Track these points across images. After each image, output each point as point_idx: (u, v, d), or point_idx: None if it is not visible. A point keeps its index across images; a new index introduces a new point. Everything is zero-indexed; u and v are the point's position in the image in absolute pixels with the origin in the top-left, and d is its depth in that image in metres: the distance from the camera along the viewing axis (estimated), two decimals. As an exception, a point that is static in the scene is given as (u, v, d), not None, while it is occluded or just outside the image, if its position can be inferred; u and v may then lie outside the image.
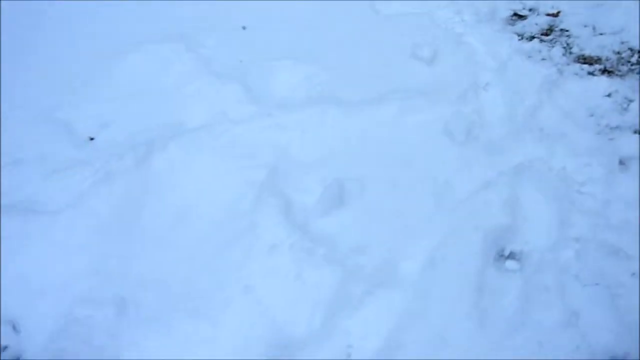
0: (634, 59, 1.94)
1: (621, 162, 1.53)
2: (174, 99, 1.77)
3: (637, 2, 2.10)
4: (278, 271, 1.20)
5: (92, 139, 1.69)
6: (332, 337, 1.11)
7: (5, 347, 1.20)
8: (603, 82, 1.80)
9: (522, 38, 2.08)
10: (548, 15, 2.20)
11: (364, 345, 1.12)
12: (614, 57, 1.96)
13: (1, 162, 1.58)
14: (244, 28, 2.13)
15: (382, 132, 1.53)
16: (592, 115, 1.69)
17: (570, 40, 2.05)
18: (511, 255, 1.30)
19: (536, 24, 2.16)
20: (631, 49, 1.98)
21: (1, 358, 1.18)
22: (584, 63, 1.95)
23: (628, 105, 1.74)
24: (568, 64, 1.94)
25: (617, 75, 1.88)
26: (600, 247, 1.25)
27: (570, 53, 2.00)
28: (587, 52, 1.99)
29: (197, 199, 1.42)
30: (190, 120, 1.68)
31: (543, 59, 1.96)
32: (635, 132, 1.65)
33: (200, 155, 1.54)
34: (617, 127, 1.66)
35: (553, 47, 2.02)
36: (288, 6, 2.22)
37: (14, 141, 1.68)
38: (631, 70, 1.90)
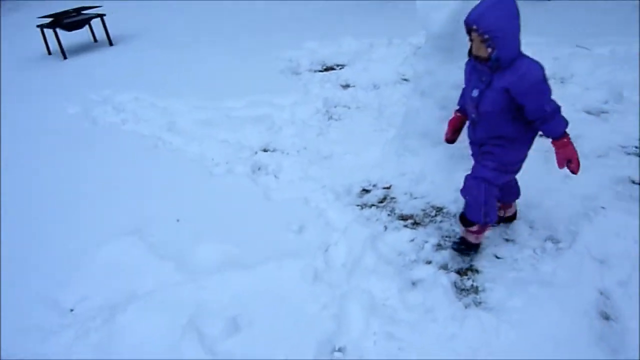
0: (433, 214, 3.00)
1: (413, 283, 2.47)
2: (133, 275, 2.63)
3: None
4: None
5: (72, 310, 2.51)
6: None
7: None
8: (410, 232, 2.81)
9: (365, 206, 3.11)
10: (384, 188, 3.28)
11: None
12: (421, 213, 3.02)
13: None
14: (178, 220, 3.11)
15: (263, 283, 2.43)
16: (399, 255, 2.65)
17: (395, 205, 3.08)
18: (339, 349, 2.13)
19: (376, 195, 3.20)
20: (432, 207, 3.05)
21: None
22: (402, 219, 2.95)
23: (424, 245, 2.73)
24: (392, 222, 2.92)
25: (421, 225, 2.92)
26: (387, 336, 2.11)
27: (394, 213, 3.01)
28: (404, 212, 3.00)
29: (145, 338, 2.21)
30: (141, 288, 2.53)
31: (377, 220, 2.94)
32: (426, 262, 2.61)
33: (146, 311, 2.36)
34: (414, 261, 2.62)
35: (383, 210, 3.05)
36: (212, 200, 3.26)
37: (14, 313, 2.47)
38: (431, 221, 2.94)
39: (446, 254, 2.61)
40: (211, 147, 4.01)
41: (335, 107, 4.51)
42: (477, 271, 2.50)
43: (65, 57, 7.66)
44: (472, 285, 2.42)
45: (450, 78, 3.01)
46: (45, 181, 3.85)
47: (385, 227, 2.86)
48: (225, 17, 8.93)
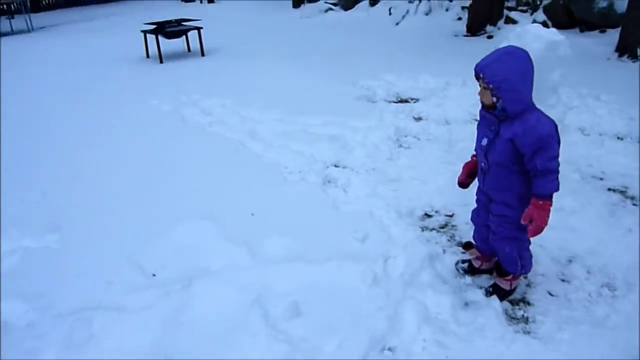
0: (492, 245, 3.11)
1: (465, 304, 2.58)
2: (208, 253, 2.91)
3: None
4: (258, 344, 2.20)
5: (154, 275, 2.81)
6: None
7: None
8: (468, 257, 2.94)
9: (426, 229, 3.26)
10: (446, 215, 3.44)
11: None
12: (480, 243, 3.14)
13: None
14: (252, 214, 3.40)
15: (325, 278, 2.63)
16: (455, 277, 2.77)
17: (455, 232, 3.23)
18: (389, 348, 2.28)
19: (437, 221, 3.36)
20: (492, 239, 3.16)
21: None
22: (460, 246, 3.11)
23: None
24: (451, 247, 3.06)
25: (479, 254, 3.03)
26: (437, 344, 2.25)
27: (454, 239, 3.15)
28: (464, 240, 3.16)
29: (214, 308, 2.47)
30: (214, 265, 2.81)
31: (436, 242, 3.08)
32: (480, 287, 2.72)
33: (218, 286, 2.62)
34: (469, 285, 2.74)
35: (443, 235, 3.19)
36: (284, 202, 3.53)
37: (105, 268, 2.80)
38: (490, 252, 3.05)
39: (501, 284, 2.71)
40: (286, 156, 4.31)
41: (406, 136, 4.72)
42: (529, 303, 2.58)
43: (161, 62, 8.38)
44: (522, 315, 2.51)
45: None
46: (139, 162, 4.28)
47: (444, 250, 2.99)
48: (310, 43, 9.46)
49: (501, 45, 3.19)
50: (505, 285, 2.58)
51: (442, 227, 3.27)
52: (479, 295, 2.61)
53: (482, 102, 2.24)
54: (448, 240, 3.12)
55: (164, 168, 4.18)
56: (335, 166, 4.15)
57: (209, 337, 2.32)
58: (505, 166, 2.23)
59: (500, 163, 2.25)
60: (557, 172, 2.11)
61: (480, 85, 2.20)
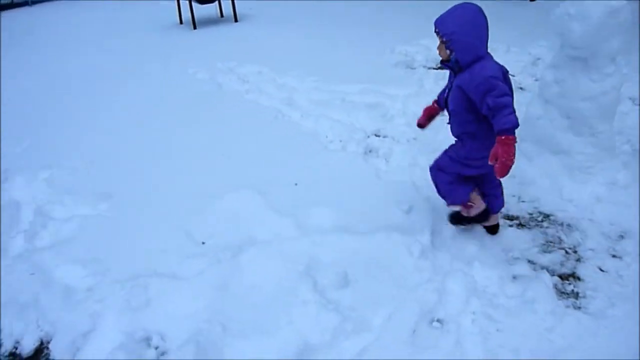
0: (539, 219, 3.06)
1: (514, 277, 2.57)
2: (254, 224, 2.96)
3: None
4: (307, 312, 2.26)
5: (204, 242, 2.89)
6: (332, 347, 2.12)
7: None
8: (515, 231, 2.90)
9: (470, 201, 3.26)
10: (491, 187, 3.40)
11: (349, 357, 2.11)
12: (527, 216, 3.09)
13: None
14: (295, 184, 3.42)
15: (371, 249, 2.65)
16: (503, 250, 2.76)
17: (500, 204, 3.21)
18: (437, 320, 2.31)
19: (482, 193, 3.35)
20: (540, 212, 3.10)
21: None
22: (507, 219, 3.04)
23: (528, 246, 2.80)
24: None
25: (527, 228, 2.99)
26: (486, 316, 2.26)
27: (500, 212, 3.14)
28: (511, 213, 3.10)
29: (262, 276, 2.53)
30: (261, 236, 2.86)
31: (481, 215, 3.10)
32: (528, 261, 2.70)
33: (266, 255, 2.68)
34: (517, 258, 2.72)
35: (488, 207, 3.17)
36: (326, 172, 3.53)
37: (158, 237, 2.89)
38: (537, 225, 3.01)
39: (549, 258, 2.68)
40: (325, 125, 4.29)
41: (447, 105, 4.62)
42: (579, 278, 2.56)
43: (195, 27, 8.35)
44: (572, 290, 2.49)
45: (580, 89, 3.05)
46: (178, 133, 4.34)
47: (491, 223, 2.96)
48: (345, 8, 9.23)
49: (554, 12, 3.08)
50: (463, 212, 2.73)
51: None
52: (526, 268, 2.60)
53: (440, 56, 2.38)
54: (494, 212, 3.07)
55: (205, 138, 4.22)
56: (376, 135, 4.11)
57: (259, 305, 2.39)
58: (460, 114, 2.40)
59: (456, 112, 2.43)
60: (512, 107, 2.14)
61: (438, 40, 2.33)
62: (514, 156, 2.12)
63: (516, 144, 2.12)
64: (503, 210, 3.09)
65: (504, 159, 2.11)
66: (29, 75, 6.56)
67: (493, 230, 2.84)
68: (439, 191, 2.72)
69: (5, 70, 6.64)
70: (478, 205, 2.67)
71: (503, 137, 2.11)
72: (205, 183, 3.47)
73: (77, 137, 4.40)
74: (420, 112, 4.41)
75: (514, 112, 2.13)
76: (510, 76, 2.34)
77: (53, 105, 5.22)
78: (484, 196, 2.71)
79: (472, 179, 2.65)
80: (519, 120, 2.16)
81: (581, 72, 3.02)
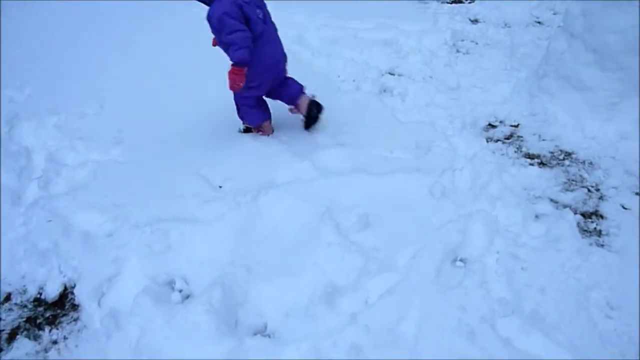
0: (561, 157, 2.99)
1: (536, 216, 2.55)
2: (271, 167, 2.91)
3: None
4: (332, 254, 2.26)
5: (220, 186, 2.86)
6: (358, 288, 2.13)
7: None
8: (536, 170, 2.85)
9: (490, 140, 3.15)
10: (511, 126, 3.30)
11: (375, 297, 2.13)
12: (548, 155, 3.02)
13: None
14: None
15: (391, 190, 2.62)
16: (524, 189, 2.72)
17: (522, 143, 3.09)
18: (460, 260, 2.30)
19: (502, 132, 3.22)
20: (561, 150, 3.04)
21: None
22: (528, 158, 2.99)
23: (549, 184, 2.76)
24: (518, 158, 2.97)
25: (548, 166, 2.93)
26: (511, 256, 2.25)
27: (521, 151, 3.04)
28: (531, 151, 3.03)
29: (284, 219, 2.51)
30: (279, 179, 2.82)
31: (502, 154, 2.99)
32: (551, 200, 2.66)
33: (285, 197, 2.65)
34: (539, 197, 2.69)
35: (510, 146, 3.08)
36: (342, 112, 3.44)
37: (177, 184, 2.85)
38: (559, 164, 2.95)
39: (571, 197, 2.65)
40: (338, 64, 4.14)
41: (463, 40, 4.43)
42: (602, 216, 2.54)
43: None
44: (595, 228, 2.48)
45: (608, 21, 2.90)
46: (189, 77, 4.19)
47: (512, 162, 2.91)
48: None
49: None
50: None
51: (507, 138, 3.16)
52: (549, 207, 2.57)
53: None
54: (515, 151, 3.02)
55: (217, 80, 4.07)
56: (390, 74, 3.97)
57: (282, 247, 2.39)
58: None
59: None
60: (239, 44, 2.58)
61: None
62: (235, 84, 2.72)
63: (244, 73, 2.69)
64: (524, 149, 3.04)
65: (228, 82, 2.72)
66: (33, 16, 6.27)
67: (315, 116, 3.14)
68: (238, 113, 3.17)
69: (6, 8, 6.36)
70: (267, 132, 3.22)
71: (231, 68, 2.67)
72: (217, 126, 3.39)
73: (86, 80, 4.21)
74: (435, 49, 4.30)
75: (241, 47, 2.58)
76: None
77: (57, 50, 5.00)
78: (283, 97, 3.15)
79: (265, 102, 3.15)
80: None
81: (611, 4, 2.85)
